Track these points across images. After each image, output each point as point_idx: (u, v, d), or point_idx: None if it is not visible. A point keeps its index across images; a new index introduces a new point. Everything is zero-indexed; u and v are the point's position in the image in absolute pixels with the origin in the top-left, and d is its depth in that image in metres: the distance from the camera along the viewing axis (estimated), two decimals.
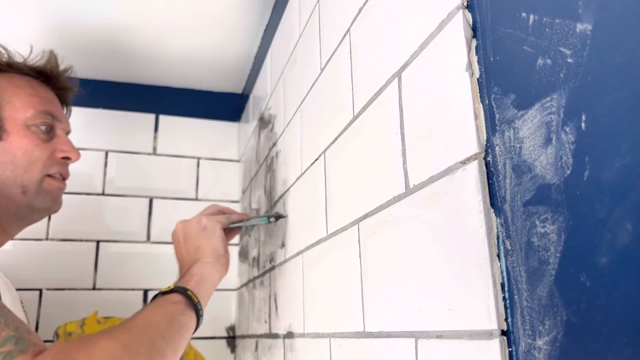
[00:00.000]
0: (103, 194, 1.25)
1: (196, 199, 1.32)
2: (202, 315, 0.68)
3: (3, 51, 0.82)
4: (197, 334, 0.73)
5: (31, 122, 0.76)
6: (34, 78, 0.83)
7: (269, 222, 0.85)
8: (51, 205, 0.79)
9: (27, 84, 0.80)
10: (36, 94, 0.80)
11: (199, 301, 0.68)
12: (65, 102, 0.91)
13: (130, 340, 0.54)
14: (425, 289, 0.40)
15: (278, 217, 0.85)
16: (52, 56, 0.86)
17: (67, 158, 0.81)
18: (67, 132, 0.85)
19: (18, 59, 0.84)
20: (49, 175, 0.78)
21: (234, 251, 1.32)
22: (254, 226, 0.84)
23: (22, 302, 0.79)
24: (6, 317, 0.53)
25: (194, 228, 0.79)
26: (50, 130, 0.80)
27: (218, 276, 0.75)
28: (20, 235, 1.01)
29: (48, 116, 0.79)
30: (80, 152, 1.24)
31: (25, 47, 0.87)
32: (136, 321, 0.58)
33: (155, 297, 0.67)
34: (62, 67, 0.89)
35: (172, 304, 0.64)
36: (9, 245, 1.13)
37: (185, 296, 0.66)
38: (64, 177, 0.82)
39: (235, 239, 1.33)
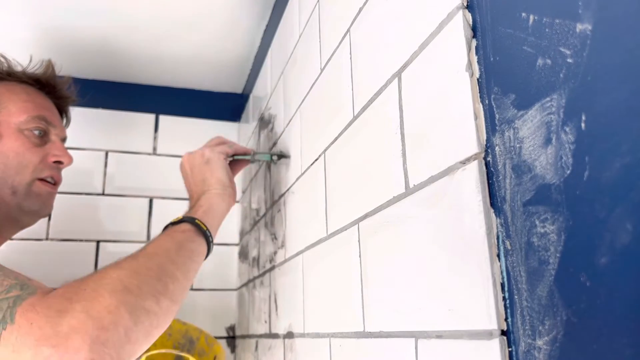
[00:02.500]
0: (103, 194, 1.25)
1: None
2: (212, 242, 0.70)
3: (3, 60, 0.84)
4: None
5: (24, 126, 0.78)
6: (32, 86, 0.85)
7: (272, 159, 0.87)
8: (40, 209, 0.80)
9: (23, 90, 0.82)
10: (31, 100, 0.82)
11: (207, 228, 0.69)
12: (63, 110, 0.93)
13: (138, 266, 0.56)
14: (425, 289, 0.40)
15: (281, 156, 0.87)
16: (49, 65, 0.89)
17: (59, 162, 0.83)
18: (63, 139, 0.87)
19: (17, 68, 0.86)
20: (41, 180, 0.79)
21: (234, 251, 1.32)
22: (259, 161, 0.88)
23: None
24: (2, 270, 0.54)
25: (197, 161, 0.82)
26: (45, 135, 0.81)
27: (226, 206, 0.77)
28: (20, 235, 1.01)
29: (42, 121, 0.80)
30: (81, 152, 1.26)
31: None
32: (144, 250, 0.60)
33: (165, 228, 0.69)
34: (60, 76, 0.91)
35: (180, 232, 0.66)
36: (9, 245, 1.13)
37: (194, 224, 0.68)
38: (55, 181, 0.83)
39: (236, 241, 1.33)
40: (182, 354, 0.95)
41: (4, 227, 0.79)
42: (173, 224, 0.69)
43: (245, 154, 0.87)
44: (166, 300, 0.56)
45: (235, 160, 0.88)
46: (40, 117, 0.80)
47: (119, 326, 0.49)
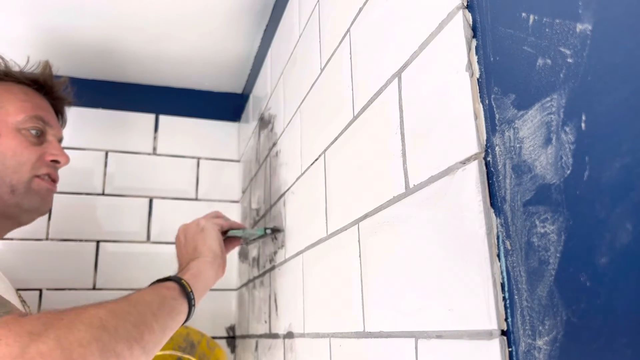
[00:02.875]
0: (103, 194, 1.25)
1: (196, 199, 1.32)
2: (194, 306, 0.69)
3: (0, 61, 0.85)
4: None
5: (22, 125, 0.79)
6: (29, 86, 0.86)
7: (265, 233, 0.88)
8: (39, 206, 0.81)
9: (21, 91, 0.83)
10: (29, 100, 0.83)
11: (192, 290, 0.69)
12: (59, 111, 0.93)
13: (118, 309, 0.55)
14: (425, 289, 0.40)
15: (275, 230, 0.88)
16: (47, 66, 0.90)
17: (56, 161, 0.83)
18: (59, 139, 0.87)
19: (15, 69, 0.87)
20: (38, 177, 0.80)
21: (234, 251, 1.32)
22: (253, 238, 0.89)
23: (20, 296, 0.79)
24: None
25: (193, 230, 0.83)
26: (41, 135, 0.82)
27: (213, 274, 0.77)
28: (20, 235, 1.01)
29: (39, 121, 0.81)
30: (80, 152, 1.26)
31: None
32: (127, 297, 0.60)
33: (150, 285, 0.69)
34: (57, 77, 0.91)
35: (165, 288, 0.66)
36: (8, 245, 1.13)
37: (179, 284, 0.68)
38: (53, 180, 0.83)
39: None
40: (184, 355, 0.95)
41: (1, 225, 0.79)
42: (159, 280, 0.69)
43: (239, 228, 0.90)
44: (138, 349, 0.55)
45: (229, 239, 0.90)
46: (38, 117, 0.81)
47: None
